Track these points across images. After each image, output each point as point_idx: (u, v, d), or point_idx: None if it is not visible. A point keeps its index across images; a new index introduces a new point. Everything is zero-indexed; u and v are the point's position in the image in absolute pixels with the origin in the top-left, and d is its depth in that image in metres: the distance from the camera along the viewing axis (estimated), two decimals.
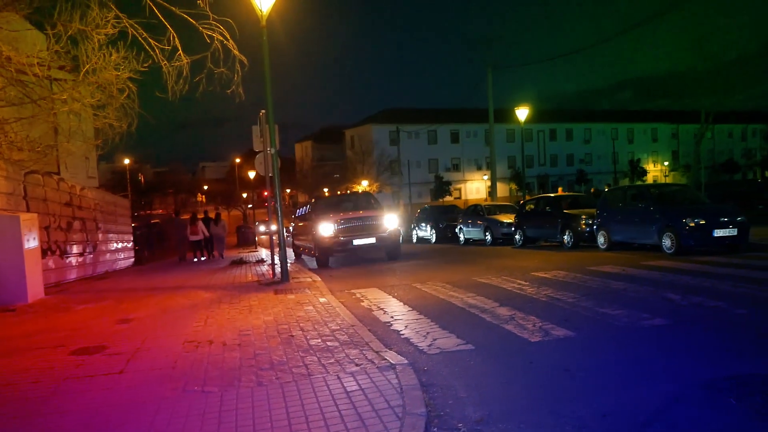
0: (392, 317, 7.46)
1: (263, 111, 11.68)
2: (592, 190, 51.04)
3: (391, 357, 5.24)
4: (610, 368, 4.89)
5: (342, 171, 67.67)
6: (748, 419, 3.71)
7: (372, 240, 15.28)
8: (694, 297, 7.50)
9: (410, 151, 66.94)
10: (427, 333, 6.45)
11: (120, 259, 20.20)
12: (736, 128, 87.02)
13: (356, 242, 15.20)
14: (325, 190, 62.75)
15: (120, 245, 20.36)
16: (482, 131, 73.57)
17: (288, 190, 76.79)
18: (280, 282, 11.22)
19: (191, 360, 5.58)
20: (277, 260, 12.25)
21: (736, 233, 12.31)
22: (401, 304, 8.36)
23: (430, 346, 5.91)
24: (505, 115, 49.26)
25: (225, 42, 7.91)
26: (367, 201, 18.15)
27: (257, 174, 18.58)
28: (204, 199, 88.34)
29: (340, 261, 17.34)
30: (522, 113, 26.05)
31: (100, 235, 17.64)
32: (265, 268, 15.54)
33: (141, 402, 4.44)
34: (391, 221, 15.79)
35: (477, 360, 5.36)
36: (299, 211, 20.90)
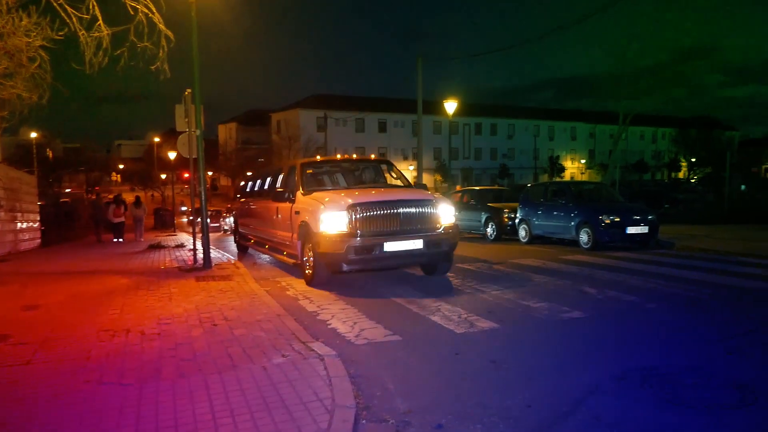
0: (319, 307, 7.37)
1: (189, 90, 11.22)
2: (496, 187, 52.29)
3: (319, 348, 5.16)
4: (533, 360, 5.03)
5: (267, 155, 66.40)
6: (659, 408, 3.90)
7: (417, 244, 8.22)
8: (609, 291, 7.86)
9: (338, 139, 66.50)
10: (355, 323, 6.42)
11: (24, 240, 18.94)
12: (647, 131, 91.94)
13: (389, 247, 8.10)
14: (249, 174, 61.54)
15: (24, 225, 19.08)
16: (410, 122, 74.21)
17: (210, 173, 74.63)
18: (203, 268, 10.85)
19: (107, 350, 5.28)
20: (199, 245, 11.85)
21: (647, 230, 13.04)
22: (328, 293, 8.28)
23: (357, 336, 5.88)
24: (432, 106, 49.76)
25: (150, 15, 7.49)
26: (389, 174, 11.26)
27: (178, 155, 17.45)
28: (119, 179, 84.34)
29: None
30: (450, 106, 26.37)
31: (1, 213, 16.45)
32: (186, 253, 14.93)
33: (51, 396, 4.16)
34: (446, 211, 8.77)
35: (404, 351, 5.37)
36: (249, 186, 14.07)
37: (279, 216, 10.32)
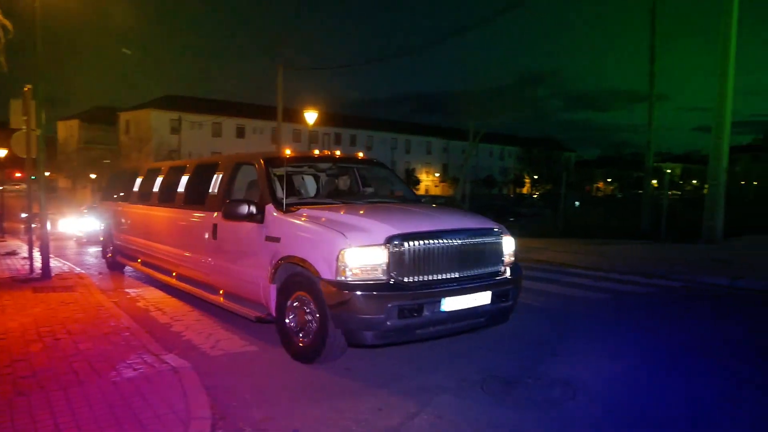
0: (173, 318, 7.18)
1: (29, 86, 10.35)
2: None
3: (172, 360, 5.07)
4: (384, 367, 5.34)
5: (114, 157, 62.17)
6: (496, 405, 4.37)
7: (484, 298, 5.37)
8: None
9: (192, 142, 63.91)
10: (210, 334, 6.36)
11: None
12: (496, 148, 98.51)
13: (449, 305, 5.09)
14: (93, 175, 57.19)
15: None
16: (269, 128, 73.26)
17: (47, 173, 68.23)
18: (41, 279, 10.02)
19: None
20: (37, 253, 10.93)
21: None
22: (182, 304, 8.07)
23: (213, 347, 5.84)
24: (293, 114, 49.68)
25: None
26: (389, 182, 8.35)
27: (10, 153, 15.82)
28: None
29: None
30: (311, 116, 26.61)
31: None
32: (20, 261, 13.63)
33: None
34: (509, 245, 5.96)
35: (261, 361, 5.45)
36: (139, 185, 10.01)
37: (224, 240, 6.65)
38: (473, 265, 5.39)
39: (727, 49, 10.45)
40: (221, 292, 6.76)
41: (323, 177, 7.96)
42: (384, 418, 4.13)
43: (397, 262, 4.88)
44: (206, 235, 6.97)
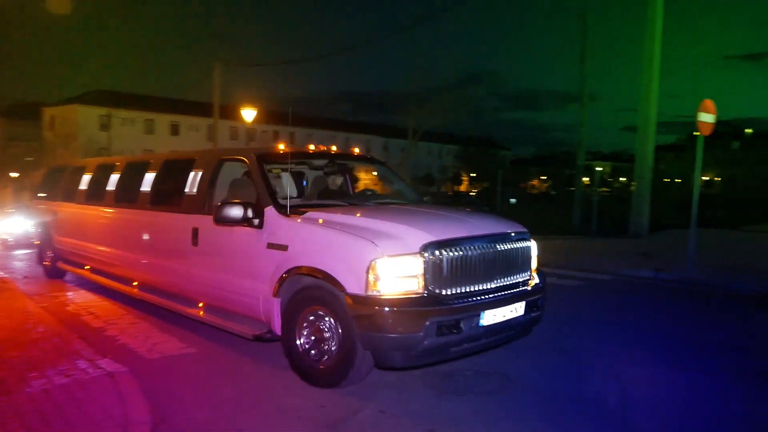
0: (106, 322, 6.95)
1: None
2: None
3: (108, 365, 4.92)
4: None
5: (38, 154, 59.27)
6: (437, 398, 4.49)
7: (518, 309, 4.89)
8: None
9: (123, 140, 61.69)
10: (147, 338, 6.20)
11: None
12: (434, 146, 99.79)
13: (488, 319, 4.59)
14: (14, 174, 54.31)
15: None
16: (205, 126, 71.57)
17: None
18: None
19: None
20: None
21: None
22: (116, 307, 7.81)
23: (150, 351, 5.70)
24: (230, 111, 48.57)
25: None
26: (389, 181, 7.50)
27: None
28: None
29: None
30: (249, 114, 26.19)
31: None
32: None
33: None
34: (535, 249, 5.44)
35: (201, 363, 5.37)
36: (89, 182, 8.80)
37: (208, 247, 5.89)
38: (508, 272, 4.93)
39: (652, 54, 11.00)
40: (201, 305, 6.03)
41: (311, 175, 6.98)
42: (327, 415, 4.16)
43: (433, 272, 4.33)
44: (183, 241, 6.09)
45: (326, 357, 4.61)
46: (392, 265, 4.24)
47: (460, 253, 4.50)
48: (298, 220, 5.01)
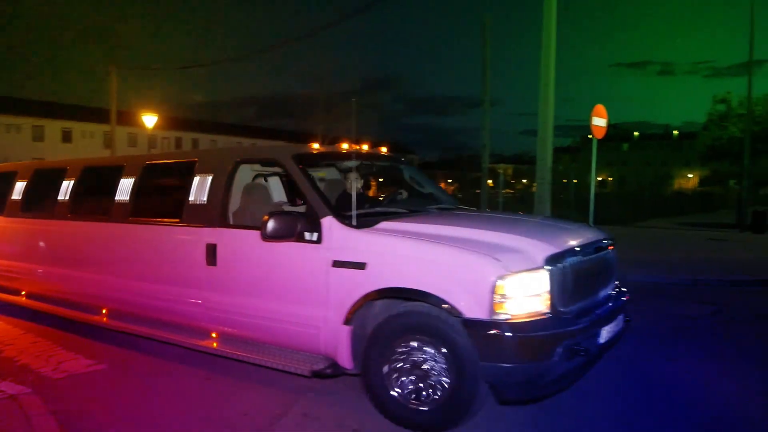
0: (2, 343, 6.46)
1: None
2: None
3: (8, 387, 4.62)
4: (245, 373, 5.28)
5: None
6: (358, 401, 4.55)
7: (621, 320, 4.56)
8: None
9: (9, 148, 57.46)
10: (50, 356, 5.84)
11: None
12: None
13: (605, 334, 4.19)
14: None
15: None
16: (101, 132, 68.05)
17: None
18: None
19: None
20: None
21: None
22: (11, 327, 7.27)
23: (55, 370, 5.39)
24: (128, 117, 46.64)
25: None
26: (416, 183, 6.50)
27: None
28: None
29: None
30: (150, 120, 25.22)
31: None
32: None
33: None
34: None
35: (111, 379, 5.16)
36: (32, 189, 7.35)
37: (233, 268, 4.91)
38: (608, 282, 4.66)
39: (548, 61, 11.64)
40: (214, 335, 5.10)
41: (331, 179, 6.27)
42: (251, 422, 4.13)
43: (557, 288, 3.81)
44: (190, 260, 5.13)
45: (430, 395, 3.85)
46: (520, 282, 3.67)
47: (576, 265, 4.04)
48: (376, 233, 4.27)
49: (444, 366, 3.80)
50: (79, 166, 6.82)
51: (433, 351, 3.84)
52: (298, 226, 4.32)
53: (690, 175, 74.43)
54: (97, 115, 58.98)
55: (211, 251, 4.96)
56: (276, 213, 4.35)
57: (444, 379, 3.80)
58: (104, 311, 6.13)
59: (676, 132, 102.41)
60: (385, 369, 3.99)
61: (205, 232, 5.05)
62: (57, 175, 6.95)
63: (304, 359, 4.48)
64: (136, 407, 4.46)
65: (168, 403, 4.53)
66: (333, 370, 4.30)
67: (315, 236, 4.35)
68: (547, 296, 3.73)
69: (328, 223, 4.35)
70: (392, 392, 3.97)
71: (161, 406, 4.48)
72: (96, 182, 6.65)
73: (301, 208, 5.19)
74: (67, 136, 68.59)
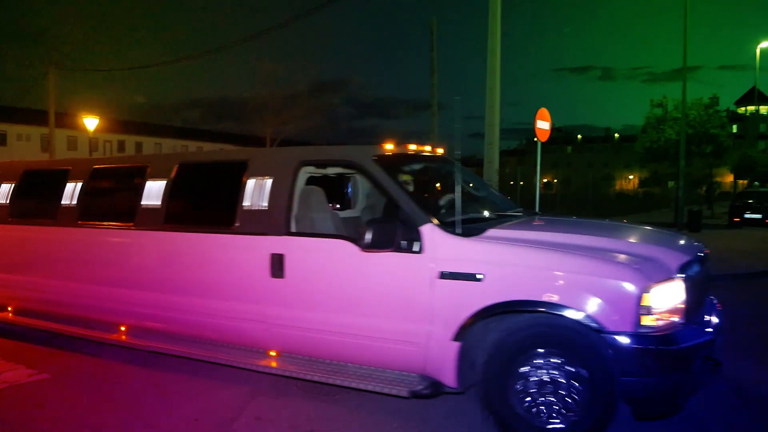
0: None
1: None
2: None
3: None
4: (195, 377, 5.22)
5: None
6: (307, 399, 4.57)
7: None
8: None
9: None
10: None
11: None
12: None
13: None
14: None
15: None
16: (38, 135, 65.49)
17: None
18: None
19: None
20: None
21: None
22: None
23: None
24: (67, 120, 45.06)
25: None
26: (467, 182, 5.86)
27: None
28: None
29: None
30: (91, 122, 24.46)
31: None
32: None
33: None
34: None
35: (57, 388, 5.01)
36: (28, 190, 6.45)
37: (306, 280, 4.47)
38: (709, 291, 4.53)
39: (494, 65, 11.90)
40: (273, 353, 4.70)
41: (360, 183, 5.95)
42: (201, 427, 4.09)
43: (689, 298, 3.69)
44: (247, 272, 4.68)
45: (562, 413, 3.62)
46: (662, 293, 3.54)
47: (697, 273, 3.96)
48: (491, 242, 3.98)
49: (576, 382, 3.58)
50: (86, 168, 5.97)
51: (564, 366, 3.62)
52: (397, 235, 3.96)
53: (631, 177, 77.18)
54: (34, 117, 56.59)
55: (277, 262, 4.48)
56: (375, 221, 4.01)
57: (574, 395, 3.59)
58: (123, 328, 5.48)
59: (617, 135, 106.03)
60: (510, 386, 3.72)
61: (267, 240, 4.55)
62: (56, 178, 6.14)
63: (394, 379, 4.16)
64: (81, 415, 4.34)
65: (114, 411, 4.44)
66: (433, 390, 3.99)
67: (416, 246, 4.01)
68: (682, 306, 3.62)
69: (429, 231, 4.02)
70: (518, 410, 3.70)
71: (108, 414, 4.38)
72: (112, 185, 6.01)
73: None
74: (2, 139, 65.75)
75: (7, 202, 6.42)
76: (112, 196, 6.04)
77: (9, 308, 6.42)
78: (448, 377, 3.90)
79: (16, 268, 6.26)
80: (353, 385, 4.16)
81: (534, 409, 3.65)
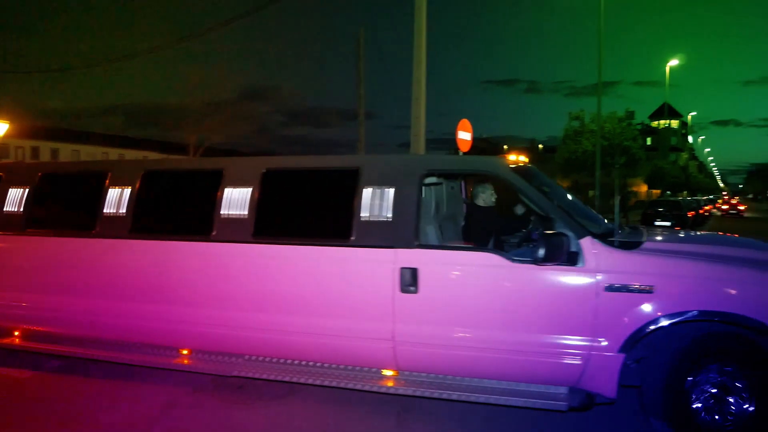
0: None
1: None
2: None
3: None
4: (107, 390, 5.05)
5: None
6: (229, 408, 4.52)
7: None
8: None
9: None
10: None
11: None
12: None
13: None
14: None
15: None
16: None
17: None
18: None
19: None
20: None
21: None
22: None
23: None
24: None
25: None
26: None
27: None
28: None
29: None
30: (1, 127, 23.09)
31: None
32: None
33: None
34: None
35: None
36: (40, 196, 5.48)
37: (441, 295, 4.22)
38: None
39: (420, 76, 12.14)
40: (392, 373, 4.43)
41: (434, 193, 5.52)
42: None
43: None
44: (372, 287, 4.30)
45: (731, 422, 3.78)
46: None
47: None
48: (658, 255, 4.04)
49: (751, 385, 3.73)
50: (140, 171, 5.19)
51: (738, 372, 3.77)
52: (565, 249, 3.86)
53: None
54: None
55: (409, 276, 4.18)
56: (546, 236, 3.89)
57: (746, 405, 3.75)
58: (185, 351, 4.95)
59: (541, 146, 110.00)
60: (686, 393, 3.82)
61: (397, 254, 4.24)
62: (93, 180, 5.31)
63: (546, 392, 4.11)
64: (22, 422, 4.13)
65: (48, 417, 4.23)
66: (588, 401, 3.98)
67: (578, 259, 3.96)
68: None
69: (590, 244, 4.00)
70: (695, 417, 3.81)
71: (42, 421, 4.18)
72: (177, 192, 5.22)
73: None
74: None
75: (21, 209, 5.41)
76: (174, 205, 5.22)
77: (16, 333, 5.42)
78: (609, 388, 3.89)
79: (40, 287, 5.22)
80: (501, 402, 4.05)
81: (711, 416, 3.79)
